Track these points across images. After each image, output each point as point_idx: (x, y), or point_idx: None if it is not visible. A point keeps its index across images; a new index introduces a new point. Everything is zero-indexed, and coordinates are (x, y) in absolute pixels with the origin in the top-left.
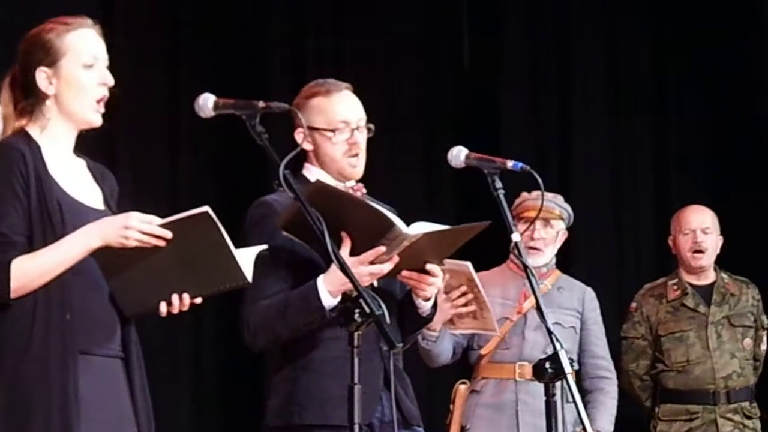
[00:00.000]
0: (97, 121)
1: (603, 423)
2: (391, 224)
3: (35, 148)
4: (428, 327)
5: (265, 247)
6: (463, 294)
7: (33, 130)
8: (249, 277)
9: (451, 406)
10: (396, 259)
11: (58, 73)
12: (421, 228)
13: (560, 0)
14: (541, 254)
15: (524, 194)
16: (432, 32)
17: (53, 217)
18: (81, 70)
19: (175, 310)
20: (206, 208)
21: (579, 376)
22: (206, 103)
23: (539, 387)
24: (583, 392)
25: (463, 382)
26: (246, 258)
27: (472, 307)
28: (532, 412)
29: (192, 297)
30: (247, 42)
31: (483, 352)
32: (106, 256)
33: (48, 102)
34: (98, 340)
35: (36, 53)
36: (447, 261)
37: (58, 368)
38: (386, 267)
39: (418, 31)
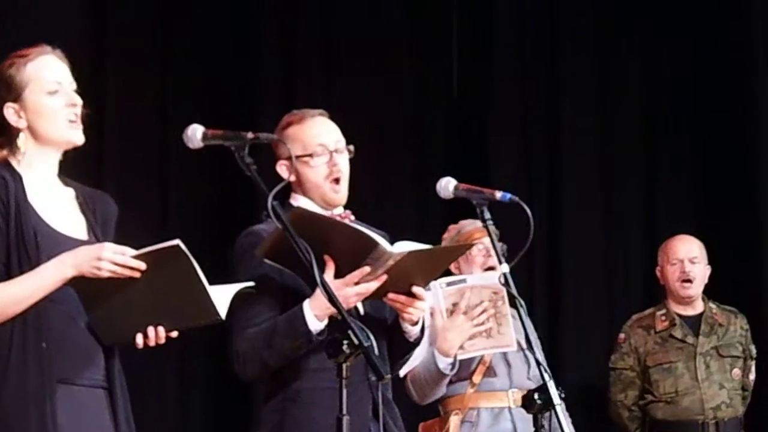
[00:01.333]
0: (77, 138)
1: None
2: (375, 244)
3: (17, 177)
4: (443, 352)
5: (247, 284)
6: (484, 311)
7: (13, 161)
8: (222, 314)
9: None
10: (383, 278)
11: (25, 106)
12: (405, 247)
13: (550, 25)
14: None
15: (456, 226)
16: (421, 57)
17: (29, 245)
18: (46, 97)
19: (151, 342)
20: (177, 242)
21: None
22: (195, 134)
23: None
24: None
25: (456, 413)
26: (223, 294)
27: (488, 325)
28: None
29: (167, 330)
30: (237, 70)
31: (475, 380)
32: (83, 286)
33: (21, 135)
34: (79, 369)
35: (0, 91)
36: (477, 278)
37: (36, 397)
38: (372, 286)
39: (407, 56)
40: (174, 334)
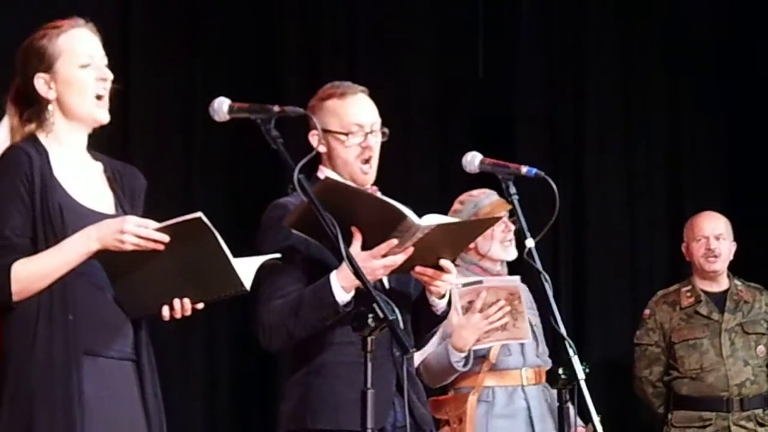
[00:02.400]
0: (102, 117)
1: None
2: (403, 216)
3: (43, 152)
4: (457, 349)
5: (272, 256)
6: (500, 308)
7: (41, 135)
8: (247, 285)
9: (445, 419)
10: (410, 250)
11: (56, 77)
12: (433, 220)
13: (576, 5)
14: (513, 246)
15: (468, 197)
16: (447, 37)
17: (54, 220)
18: (78, 69)
19: (177, 315)
20: (199, 214)
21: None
22: (221, 107)
23: (538, 391)
24: None
25: (473, 393)
26: (248, 266)
27: (505, 320)
28: (541, 416)
29: (193, 302)
30: (263, 48)
31: (491, 358)
32: (108, 259)
33: (50, 107)
34: (105, 341)
35: (31, 61)
36: (494, 280)
37: (62, 369)
38: (399, 258)
39: (433, 36)
40: (200, 305)
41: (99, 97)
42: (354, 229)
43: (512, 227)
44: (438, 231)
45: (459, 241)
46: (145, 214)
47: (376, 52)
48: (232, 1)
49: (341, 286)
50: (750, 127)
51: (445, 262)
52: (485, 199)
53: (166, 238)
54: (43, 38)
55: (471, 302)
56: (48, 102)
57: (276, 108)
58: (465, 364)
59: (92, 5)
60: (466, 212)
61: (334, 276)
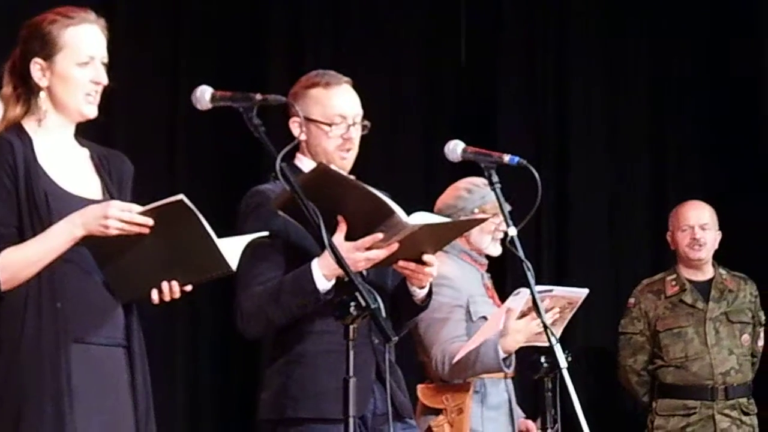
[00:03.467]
0: (91, 112)
1: None
2: (391, 212)
3: (26, 140)
4: (506, 350)
5: (258, 234)
6: (553, 315)
7: (29, 123)
8: (233, 265)
9: (440, 408)
10: (395, 246)
11: (52, 68)
12: (421, 219)
13: None
14: (499, 244)
15: (475, 187)
16: (430, 25)
17: (40, 207)
18: (75, 67)
19: (167, 298)
20: (181, 196)
21: None
22: (203, 95)
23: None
24: None
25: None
26: (232, 247)
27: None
28: (515, 408)
29: (181, 285)
30: (246, 37)
31: None
32: (95, 245)
33: (42, 94)
34: (95, 328)
35: (34, 43)
36: (561, 289)
37: (51, 357)
38: (382, 253)
39: (415, 26)
40: (188, 288)
41: (89, 94)
42: (340, 218)
43: (504, 227)
44: (425, 230)
45: (443, 238)
46: (133, 200)
47: (359, 44)
48: None
49: (323, 274)
50: (735, 114)
51: (428, 257)
52: (491, 195)
53: (150, 221)
54: (52, 24)
55: (530, 309)
56: (39, 89)
57: (258, 96)
58: (508, 365)
59: None
60: (472, 202)
61: (315, 263)
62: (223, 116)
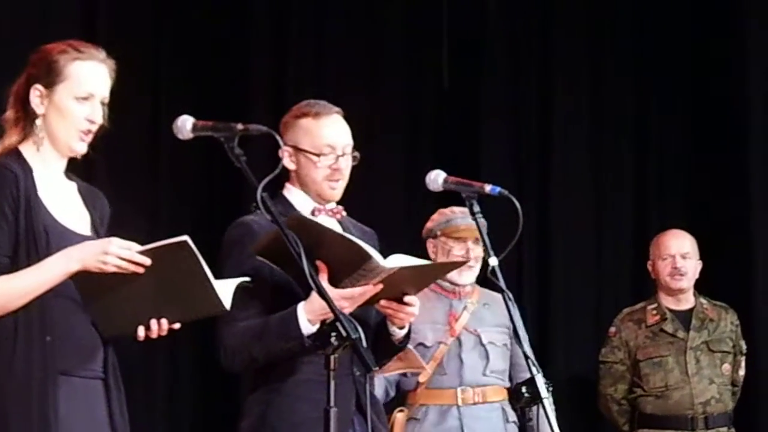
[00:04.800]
0: (80, 149)
1: None
2: (368, 257)
3: (28, 171)
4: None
5: (247, 279)
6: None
7: (26, 149)
8: (227, 305)
9: None
10: (379, 287)
11: (51, 97)
12: (398, 262)
13: (542, 16)
14: (473, 272)
15: (448, 211)
16: (411, 48)
17: (38, 241)
18: (72, 100)
19: (153, 335)
20: (185, 238)
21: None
22: (185, 125)
23: (483, 411)
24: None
25: (401, 410)
26: (225, 287)
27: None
28: None
29: (170, 323)
30: (228, 62)
31: (421, 380)
32: (84, 280)
33: (38, 121)
34: (80, 362)
35: (39, 69)
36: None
37: (39, 390)
38: (366, 291)
39: (397, 49)
40: (177, 326)
41: (83, 132)
42: (319, 263)
43: (475, 255)
44: (401, 272)
45: (423, 279)
46: (111, 234)
47: (341, 69)
48: (199, 16)
49: (308, 318)
50: (716, 144)
51: (409, 298)
52: (459, 218)
53: (147, 261)
54: (61, 54)
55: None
56: (35, 116)
57: (239, 126)
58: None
59: (56, 18)
60: (438, 225)
61: (301, 308)
62: (207, 145)
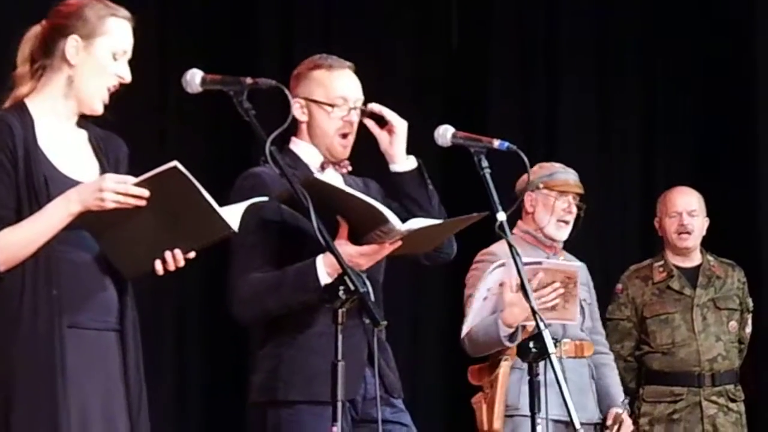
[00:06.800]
0: (99, 109)
1: (619, 395)
2: (386, 220)
3: (27, 121)
4: (506, 324)
5: (258, 199)
6: (554, 290)
7: (33, 101)
8: (235, 226)
9: (479, 384)
10: (396, 244)
11: (89, 49)
12: (414, 224)
13: None
14: (569, 228)
15: (550, 165)
16: (420, 10)
17: (38, 191)
18: (110, 56)
19: (171, 267)
20: (174, 163)
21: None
22: (193, 78)
23: (578, 365)
24: None
25: (506, 359)
26: (233, 210)
27: (556, 301)
28: (575, 389)
29: (184, 252)
30: (236, 22)
31: (528, 329)
32: (91, 222)
33: (66, 71)
34: (90, 314)
35: (74, 21)
36: (553, 262)
37: (46, 341)
38: (384, 250)
39: (405, 13)
40: (191, 254)
41: (108, 90)
42: (340, 218)
43: (575, 210)
44: (418, 232)
45: (437, 236)
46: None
47: (350, 29)
48: None
49: (327, 271)
50: (724, 102)
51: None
52: (562, 173)
53: (146, 192)
54: (94, 8)
55: (528, 280)
56: (67, 65)
57: (248, 80)
58: (512, 339)
59: None
60: (539, 177)
61: (320, 260)
62: (215, 100)
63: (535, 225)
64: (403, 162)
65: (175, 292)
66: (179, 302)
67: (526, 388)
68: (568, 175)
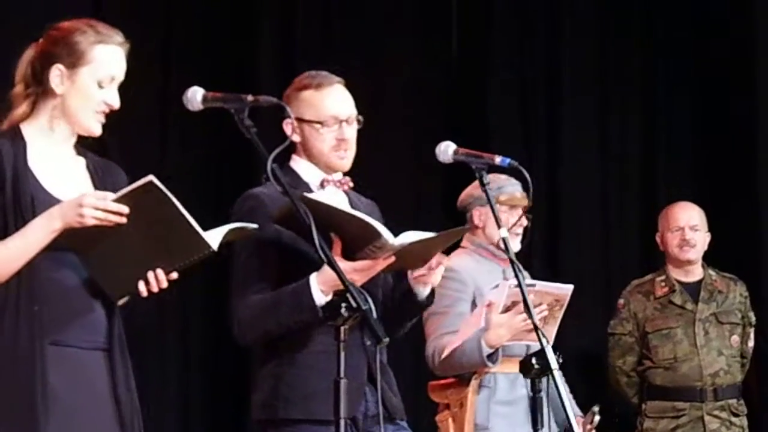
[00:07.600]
0: (96, 130)
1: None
2: (379, 235)
3: (20, 144)
4: (489, 345)
5: (243, 225)
6: (540, 312)
7: (29, 127)
8: (214, 245)
9: (446, 403)
10: (389, 260)
11: (73, 78)
12: (406, 238)
13: None
14: (518, 240)
15: (501, 177)
16: (420, 16)
17: (25, 211)
18: (94, 84)
19: (154, 288)
20: (150, 177)
21: None
22: (195, 96)
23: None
24: None
25: (475, 378)
26: (216, 231)
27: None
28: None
29: (166, 272)
30: (237, 35)
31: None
32: (75, 240)
33: (53, 100)
34: (75, 332)
35: (60, 49)
36: (544, 284)
37: (26, 359)
38: (378, 266)
39: (406, 18)
40: (174, 275)
41: (98, 113)
42: (333, 235)
43: (525, 222)
44: (410, 247)
45: (429, 250)
46: None
47: (350, 39)
48: None
49: (321, 289)
50: (725, 115)
51: (438, 258)
52: (510, 186)
53: (125, 208)
54: (83, 35)
55: (515, 303)
56: (53, 95)
57: (249, 97)
58: (494, 360)
59: None
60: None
61: (314, 278)
62: (216, 117)
63: (486, 239)
64: (424, 294)
65: (179, 312)
66: (182, 322)
67: (496, 408)
68: (516, 188)
